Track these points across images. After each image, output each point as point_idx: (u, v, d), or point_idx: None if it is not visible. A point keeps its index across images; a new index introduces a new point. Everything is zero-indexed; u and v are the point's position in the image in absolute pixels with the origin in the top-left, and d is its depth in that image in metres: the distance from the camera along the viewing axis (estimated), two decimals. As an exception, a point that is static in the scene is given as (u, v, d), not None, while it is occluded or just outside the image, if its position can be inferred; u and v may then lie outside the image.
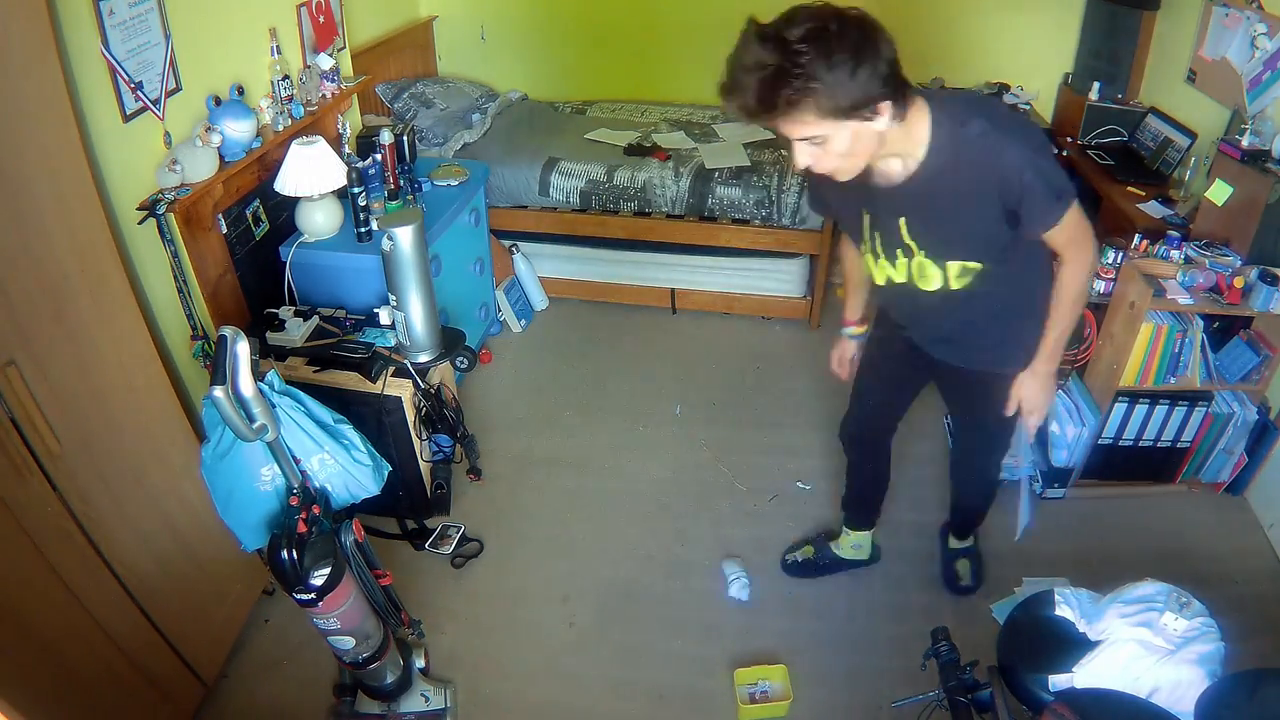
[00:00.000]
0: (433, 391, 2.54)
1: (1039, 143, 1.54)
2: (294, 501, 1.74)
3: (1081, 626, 1.69)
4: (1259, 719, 1.42)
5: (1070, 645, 1.67)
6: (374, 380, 2.38)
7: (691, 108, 4.41)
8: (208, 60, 2.42)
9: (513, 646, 2.39)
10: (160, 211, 2.17)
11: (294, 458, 1.81)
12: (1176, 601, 1.64)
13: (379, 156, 2.91)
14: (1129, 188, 3.34)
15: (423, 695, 2.16)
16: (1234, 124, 3.00)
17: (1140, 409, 2.69)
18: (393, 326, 2.39)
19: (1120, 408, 2.69)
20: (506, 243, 3.82)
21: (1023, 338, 1.87)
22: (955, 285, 1.71)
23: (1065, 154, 3.80)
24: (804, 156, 1.44)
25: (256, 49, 2.64)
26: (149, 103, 2.18)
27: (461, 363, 3.34)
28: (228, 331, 1.55)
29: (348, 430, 1.97)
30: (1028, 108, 3.98)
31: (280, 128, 2.66)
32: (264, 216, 2.73)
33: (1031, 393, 1.90)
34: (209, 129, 2.34)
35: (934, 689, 1.65)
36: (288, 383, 1.88)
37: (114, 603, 1.87)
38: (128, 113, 2.10)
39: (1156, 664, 1.56)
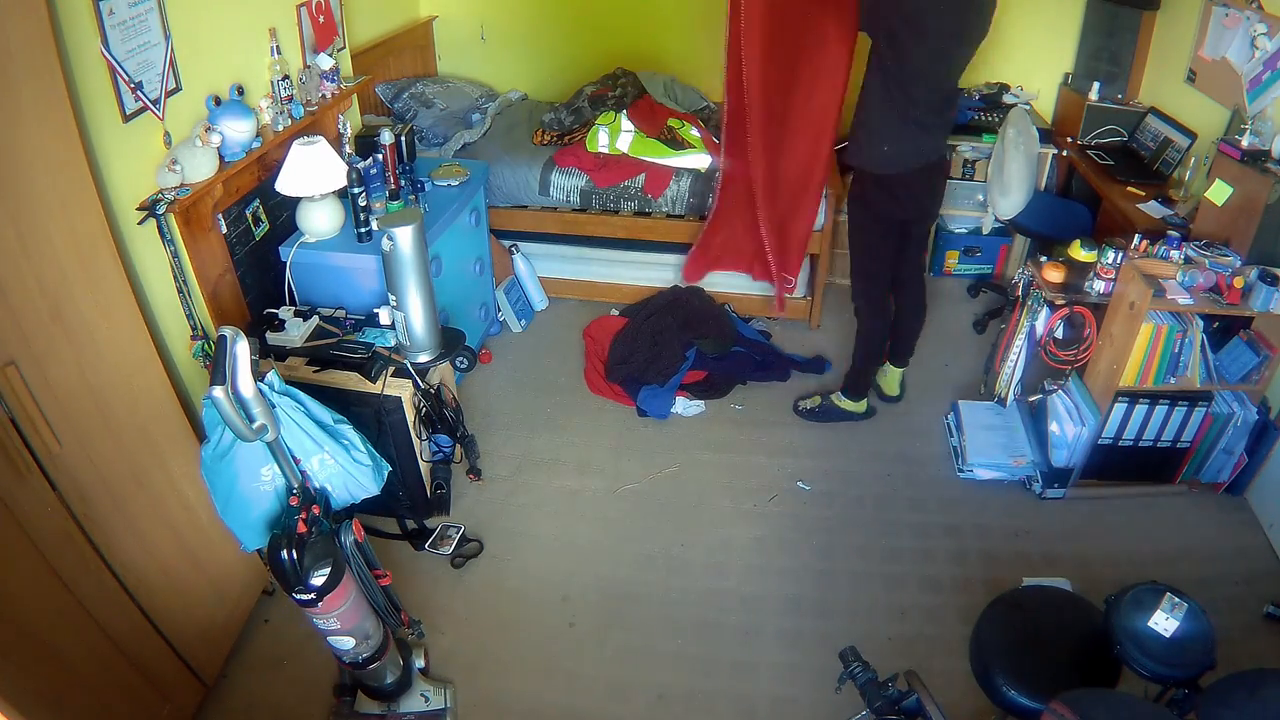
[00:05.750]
0: (432, 391, 2.54)
1: None
2: (294, 501, 1.75)
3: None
4: (1259, 719, 1.42)
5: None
6: (374, 380, 2.39)
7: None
8: (208, 60, 2.41)
9: (512, 646, 2.39)
10: (160, 211, 2.17)
11: (294, 458, 1.81)
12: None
13: (379, 156, 2.91)
14: (1129, 188, 3.34)
15: (422, 695, 2.16)
16: (1234, 124, 3.00)
17: (1140, 409, 2.69)
18: (393, 326, 2.39)
19: (1120, 408, 2.69)
20: (506, 243, 3.82)
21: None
22: None
23: (1065, 154, 3.80)
24: None
25: (256, 49, 2.64)
26: (149, 103, 2.17)
27: (461, 363, 3.34)
28: (227, 331, 1.55)
29: (347, 430, 1.98)
30: (1028, 108, 3.98)
31: (280, 128, 2.66)
32: (264, 216, 2.73)
33: None
34: (209, 129, 2.34)
35: (857, 711, 1.62)
36: (288, 383, 1.89)
37: (114, 603, 1.87)
38: (128, 113, 2.10)
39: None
